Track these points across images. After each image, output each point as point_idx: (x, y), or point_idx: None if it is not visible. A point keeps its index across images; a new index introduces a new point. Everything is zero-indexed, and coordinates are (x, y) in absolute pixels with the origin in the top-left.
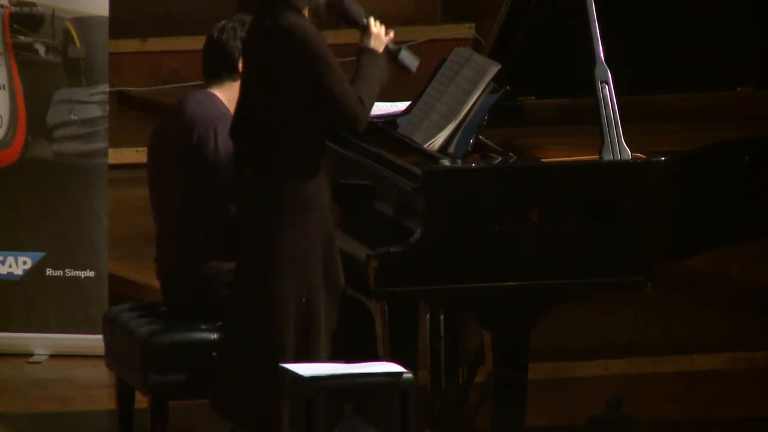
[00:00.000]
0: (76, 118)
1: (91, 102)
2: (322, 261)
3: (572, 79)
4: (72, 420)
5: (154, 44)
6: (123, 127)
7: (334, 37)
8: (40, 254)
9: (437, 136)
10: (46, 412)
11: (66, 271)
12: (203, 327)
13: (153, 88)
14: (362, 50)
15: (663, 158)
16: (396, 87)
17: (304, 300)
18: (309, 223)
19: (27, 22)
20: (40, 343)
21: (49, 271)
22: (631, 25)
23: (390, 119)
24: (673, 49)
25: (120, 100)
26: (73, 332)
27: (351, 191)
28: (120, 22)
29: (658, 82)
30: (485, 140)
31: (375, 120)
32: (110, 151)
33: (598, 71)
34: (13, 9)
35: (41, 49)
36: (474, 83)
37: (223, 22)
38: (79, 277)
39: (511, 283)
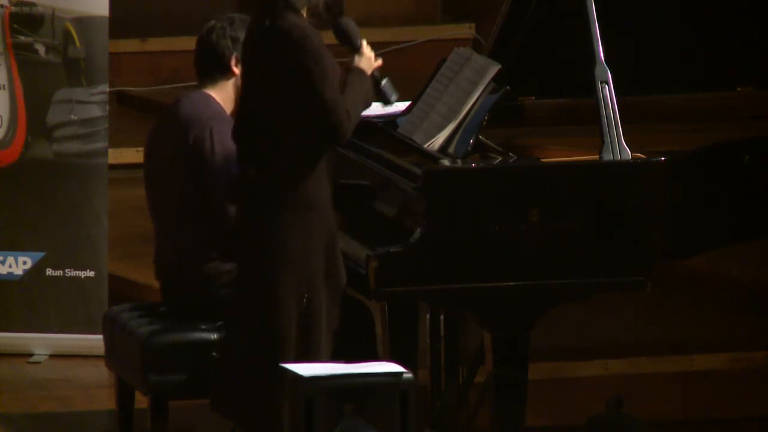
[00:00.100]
0: (76, 118)
1: (91, 102)
2: (323, 260)
3: (572, 79)
4: (72, 420)
5: (154, 44)
6: (123, 127)
7: (332, 37)
8: (40, 254)
9: (437, 136)
10: (46, 412)
11: (66, 271)
12: (203, 327)
13: (153, 88)
14: (353, 69)
15: (663, 158)
16: (396, 87)
17: (305, 300)
18: (310, 223)
19: (27, 22)
20: (40, 343)
21: (49, 271)
22: (631, 25)
23: (390, 119)
24: (673, 49)
25: (120, 100)
26: (73, 332)
27: (351, 191)
28: (120, 22)
29: (658, 82)
30: (485, 140)
31: (375, 120)
32: (110, 151)
33: (598, 71)
34: (13, 9)
35: (41, 49)
36: (474, 83)
37: (212, 22)
38: (79, 277)
39: (511, 283)
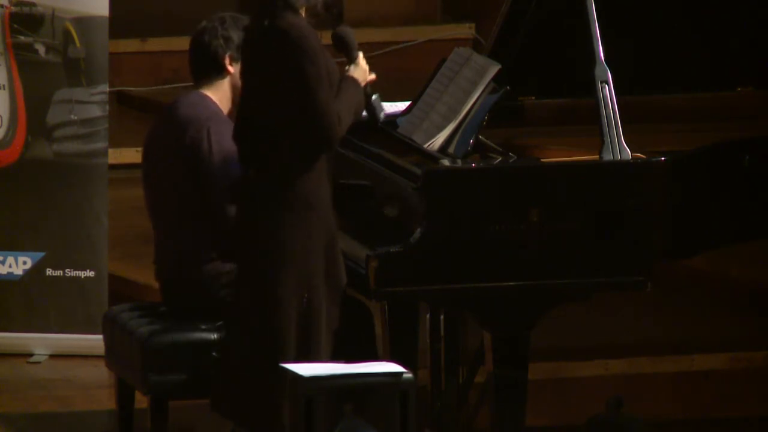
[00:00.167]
0: (76, 118)
1: (91, 102)
2: (323, 260)
3: (572, 79)
4: (72, 420)
5: (154, 44)
6: (123, 127)
7: (329, 37)
8: (40, 254)
9: (437, 136)
10: (46, 412)
11: (66, 271)
12: (203, 327)
13: (153, 88)
14: (347, 77)
15: (663, 158)
16: (396, 87)
17: (305, 300)
18: (310, 223)
19: (27, 22)
20: (40, 343)
21: (49, 271)
22: (631, 25)
23: (390, 119)
24: (673, 49)
25: (120, 100)
26: (73, 332)
27: (351, 191)
28: (120, 22)
29: (658, 82)
30: (485, 140)
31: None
32: (110, 151)
33: (598, 71)
34: (13, 9)
35: (41, 49)
36: (474, 83)
37: (204, 23)
38: (79, 277)
39: (511, 283)
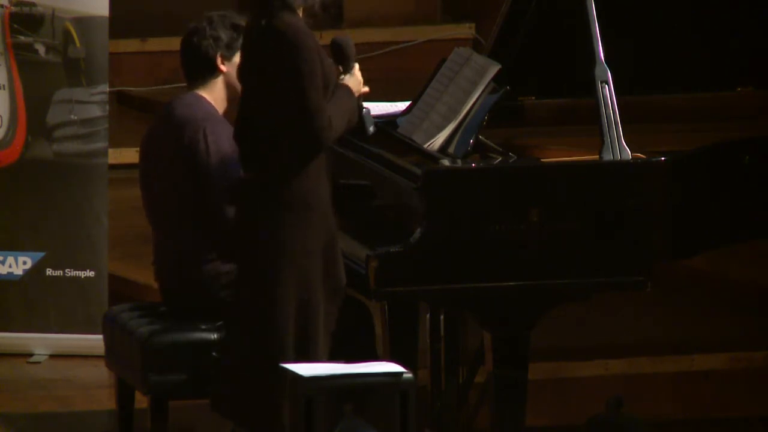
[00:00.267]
0: (76, 118)
1: (91, 102)
2: (322, 261)
3: (572, 79)
4: (72, 420)
5: (154, 44)
6: (123, 127)
7: (326, 37)
8: (40, 254)
9: (437, 136)
10: (46, 412)
11: (66, 271)
12: (203, 327)
13: (153, 88)
14: (342, 86)
15: (663, 158)
16: (396, 87)
17: (303, 300)
18: (309, 223)
19: (27, 22)
20: (40, 343)
21: (49, 271)
22: (631, 26)
23: (390, 119)
24: (673, 49)
25: (120, 100)
26: (73, 332)
27: (351, 191)
28: (120, 22)
29: (658, 82)
30: (485, 140)
31: (375, 120)
32: (110, 151)
33: (598, 71)
34: (13, 9)
35: (41, 49)
36: (474, 83)
37: (193, 24)
38: (79, 277)
39: (511, 283)
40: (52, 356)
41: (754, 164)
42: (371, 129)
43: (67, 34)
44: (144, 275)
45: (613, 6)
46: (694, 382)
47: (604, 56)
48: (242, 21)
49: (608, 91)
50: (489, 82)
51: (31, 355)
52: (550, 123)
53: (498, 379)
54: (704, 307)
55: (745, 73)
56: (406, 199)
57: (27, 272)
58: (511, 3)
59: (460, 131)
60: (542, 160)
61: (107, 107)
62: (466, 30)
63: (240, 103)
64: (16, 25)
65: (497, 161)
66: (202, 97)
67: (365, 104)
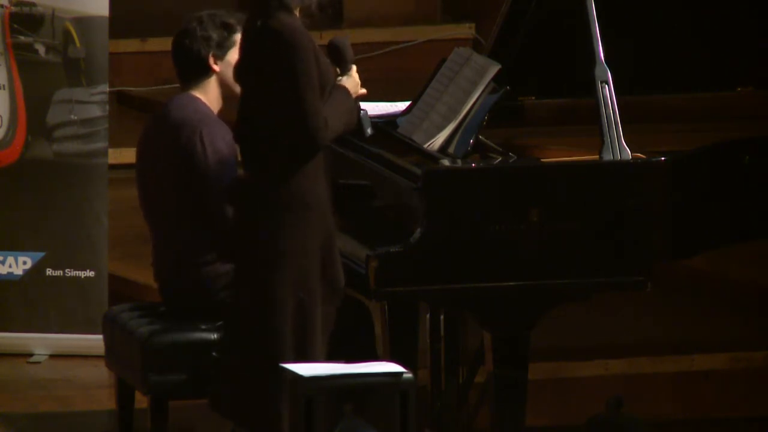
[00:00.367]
0: (76, 118)
1: (91, 102)
2: (319, 261)
3: (572, 79)
4: (72, 420)
5: (154, 44)
6: (123, 127)
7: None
8: (40, 254)
9: (437, 136)
10: (46, 412)
11: (66, 271)
12: (203, 327)
13: (153, 88)
14: (339, 86)
15: (663, 158)
16: (396, 87)
17: (301, 299)
18: (307, 223)
19: (27, 22)
20: (40, 343)
21: (49, 271)
22: (631, 25)
23: (390, 119)
24: (673, 49)
25: (120, 100)
26: (73, 332)
27: (351, 191)
28: (120, 22)
29: (658, 82)
30: (485, 140)
31: (375, 120)
32: (110, 151)
33: (598, 71)
34: (13, 9)
35: (41, 49)
36: (474, 83)
37: (183, 26)
38: (79, 277)
39: (511, 283)
40: (52, 356)
41: (754, 164)
42: (369, 131)
43: (67, 34)
44: (144, 275)
45: (613, 6)
46: (694, 382)
47: (604, 56)
48: (232, 19)
49: (608, 91)
50: (489, 82)
51: (31, 355)
52: (550, 123)
53: (498, 379)
54: (704, 307)
55: (745, 73)
56: (406, 199)
57: (27, 272)
58: (511, 3)
59: (460, 131)
60: (542, 160)
61: (107, 107)
62: (466, 30)
63: (239, 104)
64: (16, 25)
65: (497, 161)
66: (197, 98)
67: (362, 105)
